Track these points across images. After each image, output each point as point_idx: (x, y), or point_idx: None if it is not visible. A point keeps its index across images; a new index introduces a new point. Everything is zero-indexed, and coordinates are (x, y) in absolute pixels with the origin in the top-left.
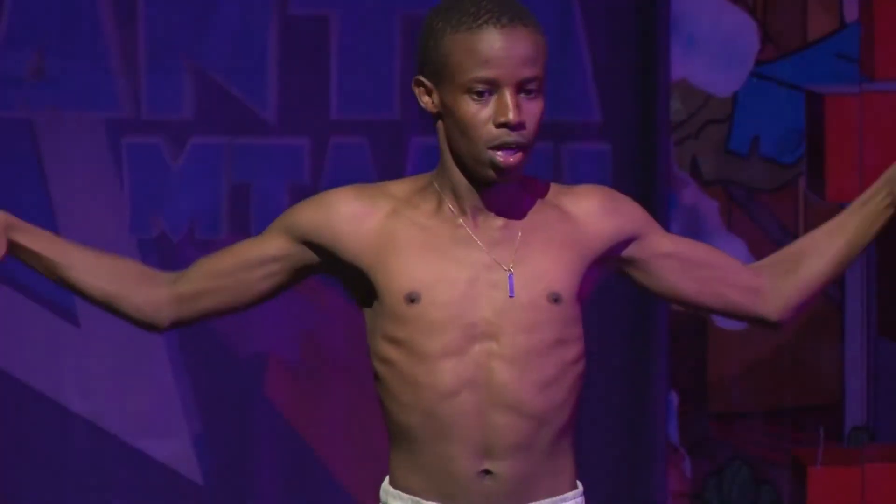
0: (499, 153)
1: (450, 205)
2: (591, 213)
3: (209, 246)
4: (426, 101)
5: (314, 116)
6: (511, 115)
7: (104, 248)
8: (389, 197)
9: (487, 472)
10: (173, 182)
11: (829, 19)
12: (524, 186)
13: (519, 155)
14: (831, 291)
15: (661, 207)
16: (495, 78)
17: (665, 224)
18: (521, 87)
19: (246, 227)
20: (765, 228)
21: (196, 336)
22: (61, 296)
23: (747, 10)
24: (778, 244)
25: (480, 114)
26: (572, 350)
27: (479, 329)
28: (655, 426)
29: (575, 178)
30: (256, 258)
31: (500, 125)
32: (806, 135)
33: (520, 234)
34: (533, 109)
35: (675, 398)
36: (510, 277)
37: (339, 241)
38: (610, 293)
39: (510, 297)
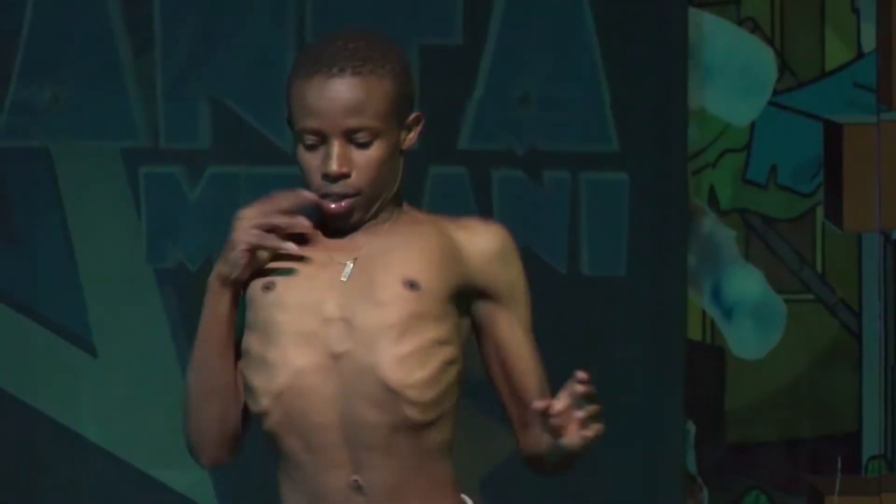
0: (324, 202)
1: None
2: (481, 251)
3: None
4: (294, 149)
5: None
6: (330, 167)
7: (122, 277)
8: None
9: (357, 484)
10: (191, 211)
11: (846, 49)
12: (406, 219)
13: (346, 203)
14: (848, 321)
15: (678, 237)
16: (320, 129)
17: (683, 254)
18: (348, 138)
19: None
20: (782, 257)
21: None
22: (78, 325)
23: (765, 40)
24: (795, 273)
25: (312, 162)
26: (437, 343)
27: (329, 312)
28: (673, 456)
29: (594, 207)
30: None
31: (323, 175)
32: (823, 164)
33: (379, 239)
34: (365, 158)
35: (692, 428)
36: (351, 263)
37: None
38: (625, 322)
39: (342, 280)
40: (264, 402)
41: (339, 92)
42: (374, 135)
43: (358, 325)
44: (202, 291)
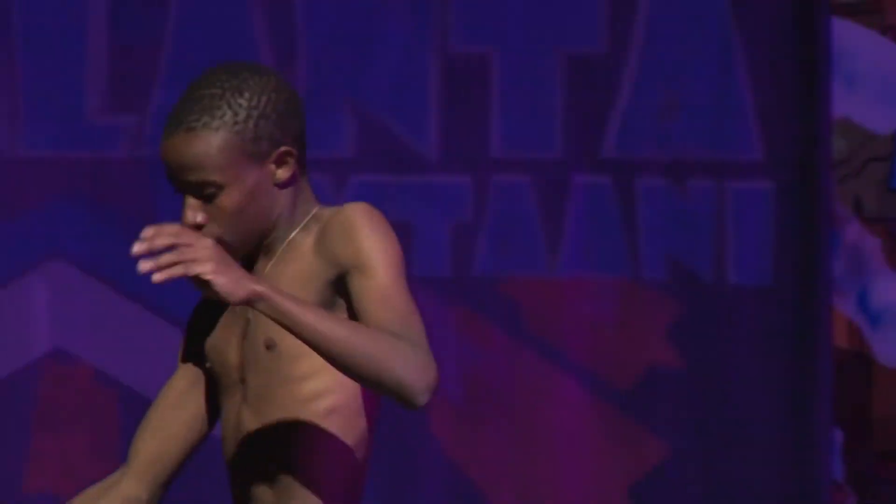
0: None
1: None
2: (330, 242)
3: None
4: None
5: (475, 154)
6: (184, 219)
7: None
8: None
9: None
10: None
11: None
12: (291, 251)
13: None
14: None
15: (824, 245)
16: (174, 185)
17: (828, 262)
18: (195, 191)
19: (408, 265)
20: None
21: None
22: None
23: None
24: None
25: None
26: (309, 386)
27: (235, 376)
28: (819, 464)
29: (739, 216)
30: (176, 398)
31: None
32: None
33: (267, 272)
34: (215, 209)
35: (839, 435)
36: (245, 327)
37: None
38: (772, 331)
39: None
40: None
41: (173, 150)
42: (219, 186)
43: (248, 390)
44: None
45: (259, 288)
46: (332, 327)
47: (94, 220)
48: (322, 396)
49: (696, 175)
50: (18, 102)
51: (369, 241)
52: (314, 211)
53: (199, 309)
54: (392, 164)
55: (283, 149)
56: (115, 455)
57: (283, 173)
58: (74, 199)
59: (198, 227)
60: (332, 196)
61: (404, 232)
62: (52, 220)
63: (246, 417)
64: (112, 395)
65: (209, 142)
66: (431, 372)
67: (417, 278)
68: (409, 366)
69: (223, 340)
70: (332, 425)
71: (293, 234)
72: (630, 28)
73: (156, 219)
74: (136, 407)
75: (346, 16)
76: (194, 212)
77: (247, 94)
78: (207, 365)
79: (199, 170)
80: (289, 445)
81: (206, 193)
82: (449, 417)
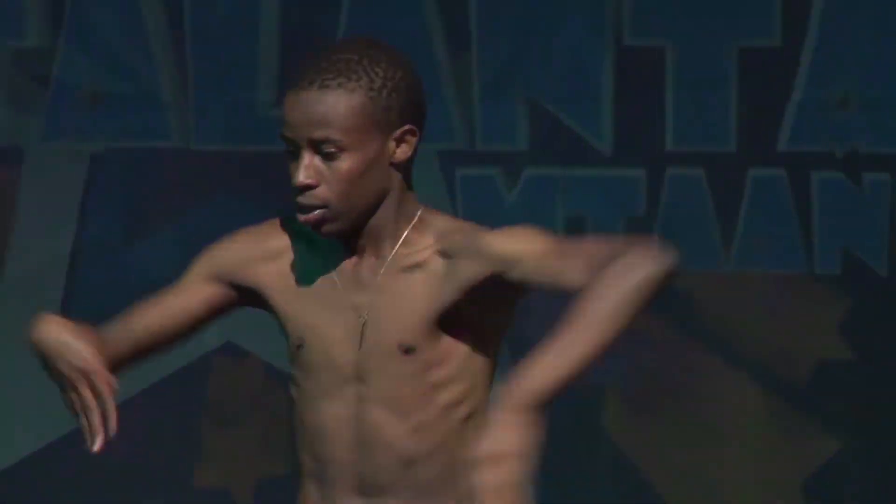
0: (298, 213)
1: (335, 244)
2: (478, 247)
3: None
4: None
5: (650, 148)
6: (296, 177)
7: None
8: (288, 234)
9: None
10: (507, 213)
11: None
12: (414, 228)
13: (314, 215)
14: None
15: None
16: (291, 138)
17: None
18: (315, 149)
19: None
20: None
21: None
22: None
23: None
24: None
25: (291, 172)
26: (448, 393)
27: (347, 372)
28: None
29: None
30: (181, 311)
31: (293, 186)
32: None
33: (378, 280)
34: (333, 170)
35: None
36: (363, 327)
37: (258, 279)
38: None
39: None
40: (302, 457)
41: (304, 103)
42: (341, 148)
43: (374, 388)
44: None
45: (530, 403)
46: (593, 335)
47: (263, 215)
48: (461, 403)
49: (871, 168)
50: (190, 97)
51: (524, 230)
52: (420, 212)
53: (265, 243)
54: (565, 157)
55: (407, 126)
56: (284, 449)
57: (402, 152)
58: (244, 193)
59: (308, 188)
60: (505, 190)
61: (577, 225)
62: (222, 214)
63: (372, 419)
64: (282, 389)
65: (342, 101)
66: (655, 251)
67: None
68: (645, 265)
69: (330, 331)
70: (469, 431)
71: (405, 232)
72: (805, 21)
73: None
74: None
75: (520, 9)
76: (308, 171)
77: (383, 65)
78: (298, 345)
79: (325, 126)
80: (432, 451)
81: (326, 152)
82: (621, 413)
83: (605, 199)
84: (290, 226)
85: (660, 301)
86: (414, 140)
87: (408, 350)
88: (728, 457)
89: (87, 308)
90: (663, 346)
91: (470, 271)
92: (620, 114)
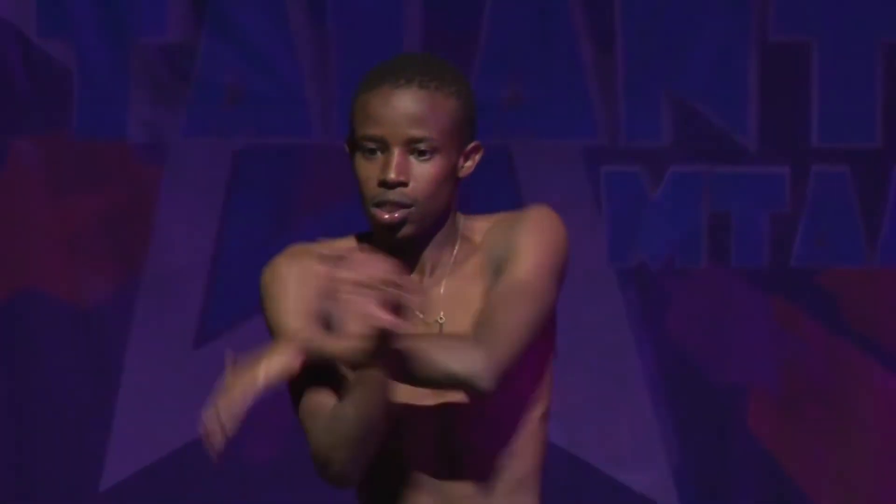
0: (378, 211)
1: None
2: (504, 241)
3: (688, 276)
4: (352, 164)
5: (795, 144)
6: (388, 174)
7: (583, 277)
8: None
9: None
10: (652, 211)
11: None
12: (463, 256)
13: (400, 213)
14: None
15: None
16: (381, 136)
17: None
18: (410, 148)
19: (726, 257)
20: None
21: (674, 365)
22: None
23: None
24: None
25: (369, 171)
26: (523, 399)
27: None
28: None
29: None
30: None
31: (380, 183)
32: None
33: (443, 292)
34: (424, 170)
35: None
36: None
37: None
38: None
39: None
40: (383, 470)
41: (404, 101)
42: (435, 149)
43: (457, 402)
44: (664, 292)
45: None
46: (421, 360)
47: None
48: (538, 402)
49: None
50: (333, 92)
51: (527, 237)
52: (462, 221)
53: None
54: (710, 154)
55: (475, 143)
56: None
57: (468, 168)
58: None
59: (402, 185)
60: (649, 187)
61: (723, 222)
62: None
63: (460, 436)
64: None
65: (442, 103)
66: (485, 363)
67: (735, 269)
68: (459, 359)
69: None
70: (545, 430)
71: (454, 250)
72: None
73: (470, 210)
74: None
75: (665, 5)
76: (402, 169)
77: (463, 80)
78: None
79: (426, 125)
80: (523, 457)
81: (421, 150)
82: (766, 410)
83: (749, 196)
84: (328, 254)
85: (804, 298)
86: (478, 157)
87: None
88: (875, 456)
89: (230, 308)
90: (808, 343)
91: (492, 275)
92: (765, 110)
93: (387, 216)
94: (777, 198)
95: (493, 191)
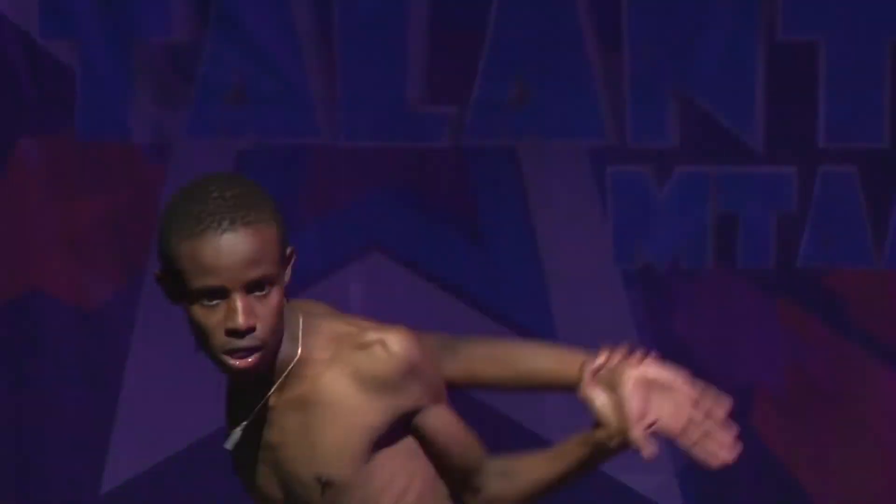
0: (231, 359)
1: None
2: (389, 383)
3: (694, 277)
4: (172, 295)
5: (802, 145)
6: (237, 321)
7: (588, 278)
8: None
9: None
10: (658, 211)
11: None
12: (307, 373)
13: (253, 358)
14: None
15: None
16: (221, 285)
17: None
18: (249, 289)
19: (732, 257)
20: None
21: (679, 366)
22: (542, 326)
23: None
24: None
25: (211, 320)
26: (390, 497)
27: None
28: None
29: None
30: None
31: (229, 332)
32: None
33: (289, 413)
34: (266, 308)
35: None
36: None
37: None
38: None
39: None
40: None
41: (235, 245)
42: (272, 282)
43: None
44: (669, 293)
45: None
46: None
47: (412, 212)
48: (407, 493)
49: None
50: (338, 93)
51: (429, 376)
52: (301, 320)
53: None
54: (717, 154)
55: (291, 247)
56: None
57: (289, 273)
58: (394, 190)
59: (251, 330)
60: (656, 188)
61: (729, 223)
62: (371, 211)
63: None
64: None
65: (267, 233)
66: None
67: (741, 270)
68: None
69: (257, 474)
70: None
71: (297, 350)
72: None
73: (476, 211)
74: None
75: (672, 5)
76: (249, 314)
77: (267, 195)
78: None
79: (261, 264)
80: None
81: (262, 290)
82: (771, 410)
83: (756, 196)
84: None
85: (811, 299)
86: (293, 259)
87: (326, 484)
88: (880, 458)
89: None
90: (814, 344)
91: (394, 407)
92: (773, 110)
93: (240, 363)
94: (784, 198)
95: (499, 191)
